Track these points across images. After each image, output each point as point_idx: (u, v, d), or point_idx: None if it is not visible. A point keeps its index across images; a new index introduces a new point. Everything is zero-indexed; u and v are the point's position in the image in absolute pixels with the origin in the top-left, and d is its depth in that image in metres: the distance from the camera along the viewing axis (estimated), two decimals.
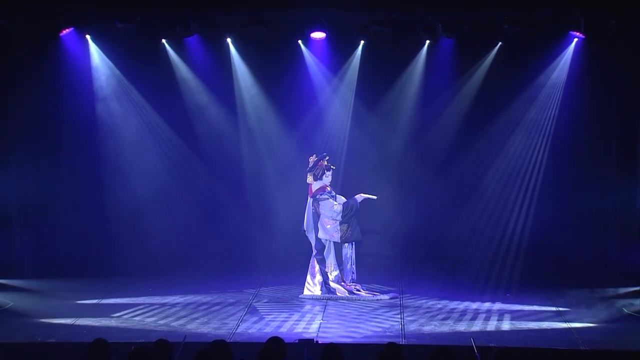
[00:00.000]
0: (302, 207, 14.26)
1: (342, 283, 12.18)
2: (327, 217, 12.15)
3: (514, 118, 14.01)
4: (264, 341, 6.82)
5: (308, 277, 12.29)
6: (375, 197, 12.31)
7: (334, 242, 12.20)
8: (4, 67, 13.42)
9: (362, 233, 12.35)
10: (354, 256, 12.28)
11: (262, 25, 13.31)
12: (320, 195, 12.21)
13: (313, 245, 12.30)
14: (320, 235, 12.19)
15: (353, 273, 12.27)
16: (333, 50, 13.95)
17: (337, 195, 12.37)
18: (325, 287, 12.13)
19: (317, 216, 12.21)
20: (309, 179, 12.31)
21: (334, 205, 12.12)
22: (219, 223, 14.40)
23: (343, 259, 12.21)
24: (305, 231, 12.37)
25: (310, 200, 12.30)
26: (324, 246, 12.22)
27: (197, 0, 13.00)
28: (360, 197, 12.26)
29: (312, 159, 12.29)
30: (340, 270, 12.20)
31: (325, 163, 12.23)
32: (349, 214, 12.13)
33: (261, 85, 14.30)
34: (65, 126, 13.96)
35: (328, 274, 12.17)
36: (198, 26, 13.41)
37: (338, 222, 12.12)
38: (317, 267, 12.25)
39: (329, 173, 12.23)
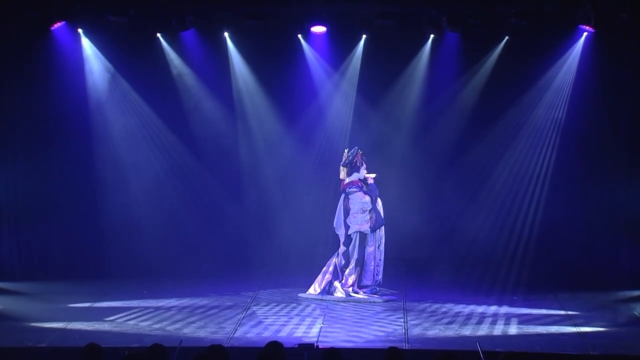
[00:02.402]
0: (303, 207, 14.35)
1: (343, 283, 12.20)
2: (357, 212, 12.24)
3: (522, 115, 14.01)
4: (262, 346, 6.81)
5: (320, 275, 12.41)
6: (374, 174, 12.45)
7: (361, 236, 12.24)
8: None
9: (382, 217, 12.39)
10: (380, 256, 12.34)
11: (260, 19, 13.30)
12: (350, 188, 12.34)
13: (341, 242, 12.38)
14: (350, 231, 12.30)
15: (377, 275, 12.32)
16: (334, 44, 13.95)
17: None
18: (328, 285, 12.18)
19: (347, 212, 12.31)
20: (342, 174, 12.43)
21: (363, 197, 12.26)
22: (216, 223, 14.39)
23: (365, 258, 12.27)
24: (335, 228, 12.47)
25: (342, 196, 12.40)
26: (351, 240, 12.29)
27: None
28: (370, 179, 12.39)
29: (346, 153, 12.40)
30: (360, 270, 12.23)
31: (360, 157, 12.35)
32: (375, 199, 12.27)
33: (260, 81, 14.29)
34: (57, 124, 13.94)
35: (344, 271, 12.21)
36: (194, 20, 13.39)
37: (367, 212, 12.22)
38: (330, 268, 12.34)
39: (364, 167, 12.37)
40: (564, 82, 13.73)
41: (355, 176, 12.36)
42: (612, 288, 12.67)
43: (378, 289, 12.35)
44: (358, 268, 12.28)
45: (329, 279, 12.31)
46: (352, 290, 12.20)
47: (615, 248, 13.57)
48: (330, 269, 12.35)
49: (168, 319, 10.96)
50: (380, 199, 12.43)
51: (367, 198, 12.25)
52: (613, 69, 13.38)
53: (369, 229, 12.26)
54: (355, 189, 12.32)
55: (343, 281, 12.28)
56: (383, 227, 12.41)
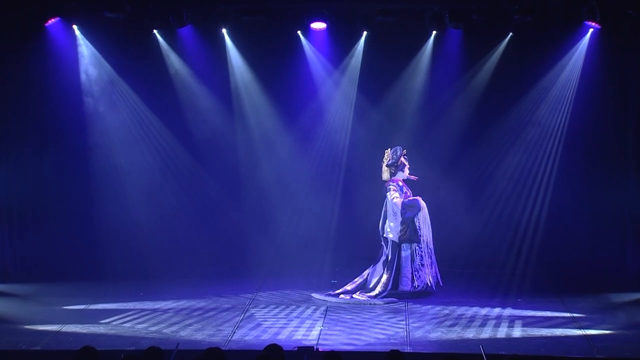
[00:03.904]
0: (302, 207, 14.35)
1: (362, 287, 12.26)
2: (389, 215, 12.22)
3: (525, 113, 14.01)
4: (261, 349, 6.81)
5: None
6: (415, 177, 12.49)
7: (392, 242, 12.29)
8: None
9: (418, 236, 12.24)
10: (420, 261, 12.19)
11: (259, 15, 13.30)
12: (389, 185, 12.32)
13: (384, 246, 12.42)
14: (386, 233, 12.33)
15: (415, 280, 12.15)
16: (334, 41, 13.95)
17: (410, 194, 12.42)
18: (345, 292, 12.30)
19: (385, 216, 12.32)
20: (385, 174, 12.43)
21: (395, 198, 12.22)
22: (214, 224, 14.37)
23: (402, 262, 12.19)
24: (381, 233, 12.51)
25: (385, 199, 12.43)
26: (387, 242, 12.32)
27: None
28: (414, 179, 12.35)
29: (388, 152, 12.41)
30: (390, 274, 12.16)
31: (404, 157, 12.40)
32: (409, 216, 12.14)
33: (258, 79, 14.29)
34: (52, 123, 13.93)
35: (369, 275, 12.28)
36: (192, 16, 13.40)
37: (399, 221, 12.19)
38: (358, 280, 12.40)
39: (407, 167, 12.42)
40: (569, 80, 13.72)
41: (400, 175, 12.38)
42: (618, 290, 12.64)
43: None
44: (388, 271, 12.19)
45: (349, 289, 12.33)
46: (359, 293, 12.21)
47: (622, 249, 13.55)
48: (359, 280, 12.39)
49: (165, 322, 10.94)
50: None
51: (398, 200, 12.18)
52: (619, 66, 13.37)
53: (397, 239, 12.20)
54: (392, 185, 12.30)
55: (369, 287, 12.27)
56: (430, 235, 12.26)
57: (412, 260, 12.20)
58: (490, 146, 14.11)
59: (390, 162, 12.40)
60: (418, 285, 12.19)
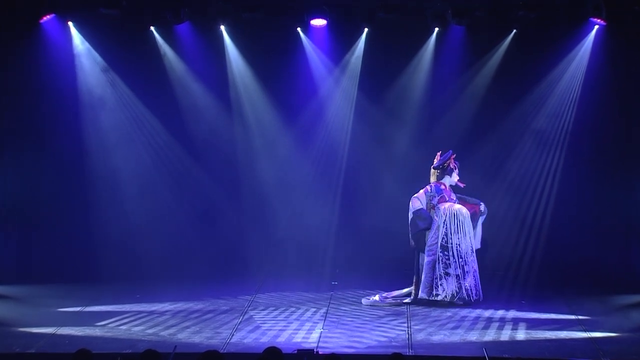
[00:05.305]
0: (302, 208, 14.34)
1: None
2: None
3: (530, 112, 14.01)
4: (260, 352, 6.82)
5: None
6: (462, 184, 12.34)
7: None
8: None
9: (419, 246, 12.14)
10: (444, 269, 11.88)
11: (258, 12, 13.32)
12: (430, 184, 12.19)
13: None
14: None
15: (435, 289, 11.85)
16: (335, 38, 13.96)
17: (455, 198, 12.23)
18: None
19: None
20: (432, 177, 12.29)
21: (415, 196, 12.08)
22: (211, 224, 14.38)
23: (422, 268, 12.05)
24: None
25: None
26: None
27: None
28: (462, 185, 12.18)
29: (438, 155, 12.30)
30: (417, 281, 12.09)
31: (453, 161, 12.27)
32: (420, 226, 12.04)
33: (258, 77, 14.29)
34: (47, 122, 13.92)
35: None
36: (189, 12, 13.41)
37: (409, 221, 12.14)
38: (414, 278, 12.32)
39: (456, 172, 12.26)
40: (574, 77, 13.73)
41: (446, 180, 12.23)
42: (624, 292, 12.64)
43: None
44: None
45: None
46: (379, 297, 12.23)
47: (627, 250, 13.56)
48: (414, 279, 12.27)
49: (162, 324, 10.95)
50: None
51: (417, 202, 12.05)
52: (625, 63, 13.37)
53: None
54: (428, 186, 12.17)
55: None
56: (465, 244, 11.96)
57: (433, 268, 11.97)
58: (493, 145, 14.10)
59: (436, 164, 12.24)
60: (438, 295, 11.89)
